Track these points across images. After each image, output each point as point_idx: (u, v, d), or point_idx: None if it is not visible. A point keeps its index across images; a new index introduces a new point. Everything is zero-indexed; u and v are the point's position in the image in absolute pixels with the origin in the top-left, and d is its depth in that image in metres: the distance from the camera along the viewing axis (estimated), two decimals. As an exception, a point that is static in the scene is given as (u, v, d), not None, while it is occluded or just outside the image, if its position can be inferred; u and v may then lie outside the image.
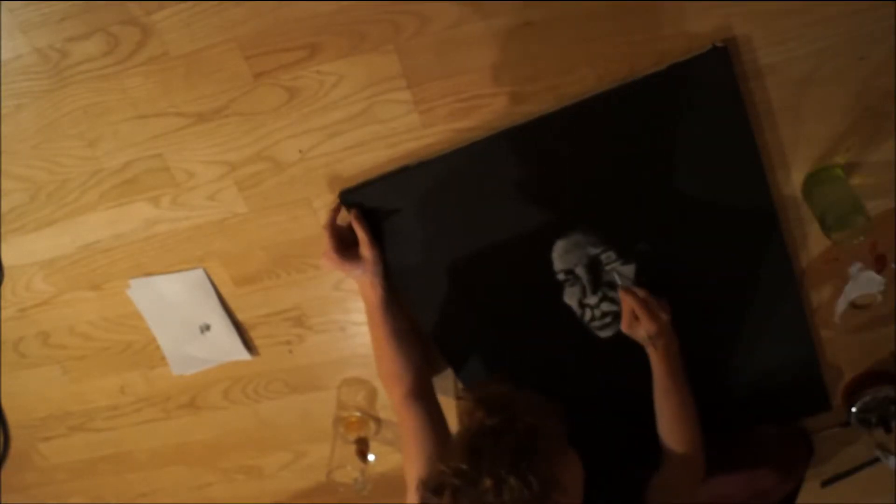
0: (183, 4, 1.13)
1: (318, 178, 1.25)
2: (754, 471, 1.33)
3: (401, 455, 1.58)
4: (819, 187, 1.15)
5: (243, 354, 1.49)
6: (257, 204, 1.30)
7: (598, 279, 1.25)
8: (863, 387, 1.39)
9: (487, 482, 0.98)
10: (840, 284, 1.28)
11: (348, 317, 1.42)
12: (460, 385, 1.43)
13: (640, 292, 1.21)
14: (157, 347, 1.51)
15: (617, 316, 1.28)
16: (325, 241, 1.23)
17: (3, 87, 1.23)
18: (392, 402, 1.32)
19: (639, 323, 1.20)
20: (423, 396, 1.28)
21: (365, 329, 1.34)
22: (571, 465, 1.07)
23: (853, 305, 1.30)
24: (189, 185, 1.30)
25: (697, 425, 1.24)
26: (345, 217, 1.26)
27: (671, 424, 1.23)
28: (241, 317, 1.45)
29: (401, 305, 1.30)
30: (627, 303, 1.21)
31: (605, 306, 1.28)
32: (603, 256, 1.24)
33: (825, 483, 1.52)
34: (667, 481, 1.21)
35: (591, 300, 1.28)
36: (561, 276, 1.27)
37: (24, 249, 1.42)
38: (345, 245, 1.24)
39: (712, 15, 1.05)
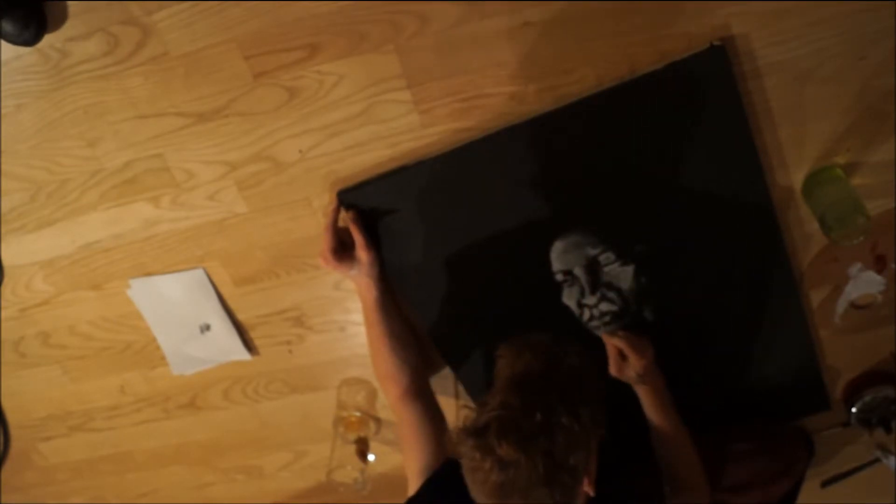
0: (183, 4, 1.13)
1: (318, 178, 1.25)
2: (753, 462, 1.33)
3: (401, 455, 1.58)
4: (819, 187, 1.15)
5: (243, 354, 1.49)
6: (257, 204, 1.30)
7: (596, 280, 1.25)
8: (863, 387, 1.39)
9: (538, 416, 0.94)
10: (840, 284, 1.28)
11: (348, 317, 1.42)
12: (461, 386, 1.44)
13: (622, 333, 1.23)
14: (157, 347, 1.51)
15: (616, 316, 1.28)
16: (323, 242, 1.23)
17: (3, 87, 1.23)
18: (388, 401, 1.33)
19: (626, 364, 1.22)
20: (420, 395, 1.28)
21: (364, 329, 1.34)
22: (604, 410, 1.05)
23: (853, 306, 1.30)
24: (189, 185, 1.30)
25: (696, 451, 1.26)
26: (344, 218, 1.26)
27: (676, 454, 1.24)
28: (241, 317, 1.45)
29: (397, 306, 1.30)
30: (613, 345, 1.22)
31: (604, 306, 1.28)
32: (601, 257, 1.24)
33: (825, 483, 1.52)
34: None
35: (590, 300, 1.28)
36: (559, 277, 1.27)
37: (24, 249, 1.42)
38: (343, 246, 1.24)
39: (712, 15, 1.05)
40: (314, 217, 1.30)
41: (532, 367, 1.02)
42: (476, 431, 0.97)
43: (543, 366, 1.02)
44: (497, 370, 1.09)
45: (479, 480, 0.98)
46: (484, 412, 0.99)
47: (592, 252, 1.23)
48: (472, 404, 1.36)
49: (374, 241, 1.24)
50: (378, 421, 1.56)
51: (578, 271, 1.25)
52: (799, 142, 1.14)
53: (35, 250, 1.42)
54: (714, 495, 1.29)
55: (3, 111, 1.26)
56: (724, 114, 1.10)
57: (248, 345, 1.48)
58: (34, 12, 1.13)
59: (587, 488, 1.02)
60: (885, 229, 1.20)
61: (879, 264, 1.24)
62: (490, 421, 0.96)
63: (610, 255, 1.23)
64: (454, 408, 1.48)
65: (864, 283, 1.26)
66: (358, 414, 1.53)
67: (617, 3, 1.05)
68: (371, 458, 1.52)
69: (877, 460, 1.45)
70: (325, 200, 1.27)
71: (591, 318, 1.30)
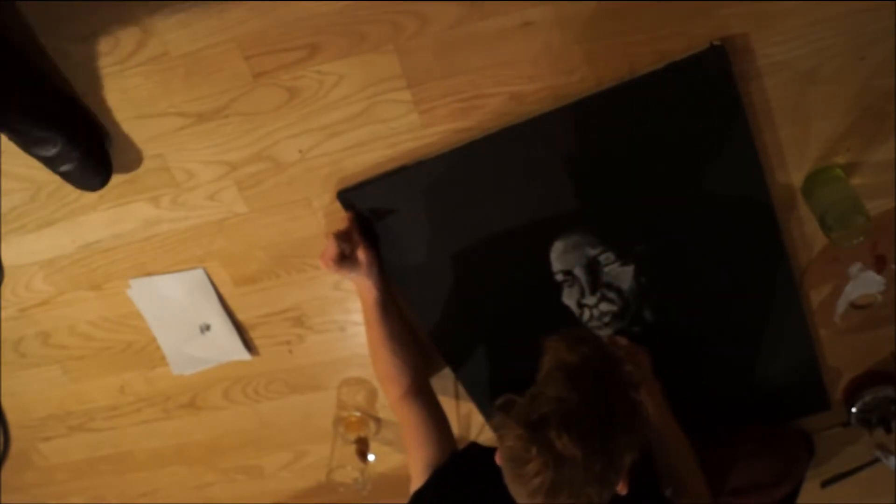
0: (183, 4, 1.13)
1: (318, 178, 1.25)
2: (753, 463, 1.33)
3: (401, 455, 1.58)
4: (819, 187, 1.15)
5: (243, 354, 1.49)
6: (257, 204, 1.30)
7: (596, 280, 1.25)
8: (863, 387, 1.39)
9: (601, 410, 0.88)
10: (840, 284, 1.28)
11: (348, 317, 1.42)
12: (461, 386, 1.44)
13: (623, 340, 1.22)
14: (157, 347, 1.51)
15: (616, 316, 1.28)
16: (330, 248, 1.20)
17: (3, 87, 1.23)
18: (389, 401, 1.32)
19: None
20: (420, 395, 1.28)
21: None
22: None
23: (853, 305, 1.30)
24: (189, 185, 1.30)
25: (695, 456, 1.26)
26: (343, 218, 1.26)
27: (675, 459, 1.24)
28: (241, 317, 1.45)
29: (397, 307, 1.30)
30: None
31: (604, 306, 1.28)
32: (601, 257, 1.24)
33: (825, 483, 1.52)
34: None
35: (590, 300, 1.28)
36: (559, 277, 1.27)
37: (24, 249, 1.42)
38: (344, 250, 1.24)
39: (712, 15, 1.05)
40: (314, 217, 1.30)
41: (590, 360, 0.96)
42: (531, 424, 0.89)
43: (602, 360, 0.97)
44: (544, 361, 1.01)
45: (528, 474, 0.90)
46: (538, 403, 0.91)
47: (592, 252, 1.23)
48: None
49: (373, 242, 1.25)
50: (378, 421, 1.56)
51: (578, 271, 1.25)
52: (799, 142, 1.14)
53: (35, 250, 1.42)
54: (715, 497, 1.29)
55: (3, 111, 1.26)
56: (724, 114, 1.10)
57: (248, 345, 1.48)
58: (102, 160, 1.23)
59: (620, 488, 0.98)
60: (885, 229, 1.20)
61: (879, 264, 1.24)
62: (549, 413, 0.89)
63: (610, 255, 1.23)
64: (454, 408, 1.48)
65: (864, 283, 1.26)
66: (358, 414, 1.53)
67: (617, 3, 1.05)
68: (371, 458, 1.52)
69: (877, 460, 1.46)
70: (325, 200, 1.27)
71: (591, 318, 1.30)
